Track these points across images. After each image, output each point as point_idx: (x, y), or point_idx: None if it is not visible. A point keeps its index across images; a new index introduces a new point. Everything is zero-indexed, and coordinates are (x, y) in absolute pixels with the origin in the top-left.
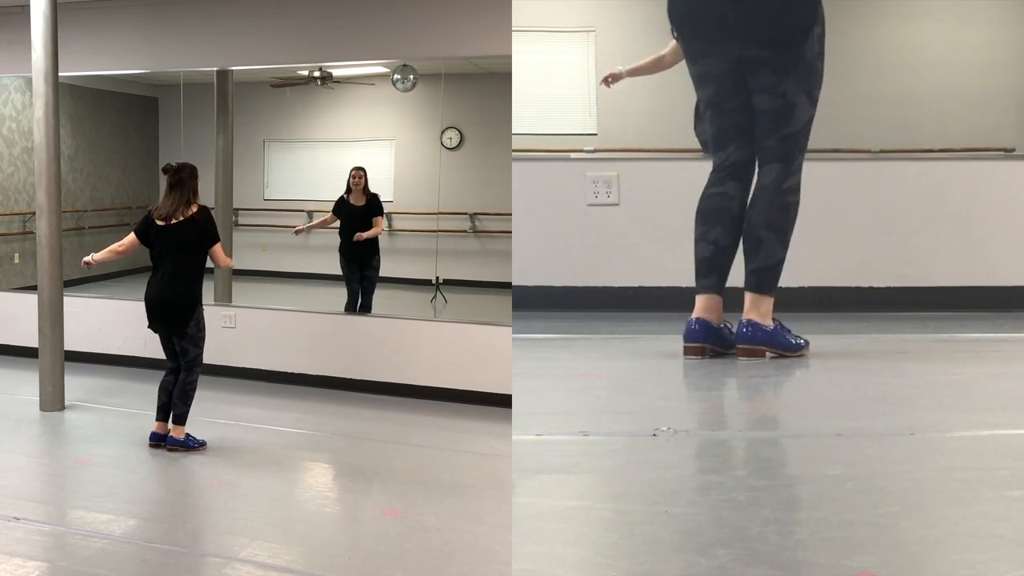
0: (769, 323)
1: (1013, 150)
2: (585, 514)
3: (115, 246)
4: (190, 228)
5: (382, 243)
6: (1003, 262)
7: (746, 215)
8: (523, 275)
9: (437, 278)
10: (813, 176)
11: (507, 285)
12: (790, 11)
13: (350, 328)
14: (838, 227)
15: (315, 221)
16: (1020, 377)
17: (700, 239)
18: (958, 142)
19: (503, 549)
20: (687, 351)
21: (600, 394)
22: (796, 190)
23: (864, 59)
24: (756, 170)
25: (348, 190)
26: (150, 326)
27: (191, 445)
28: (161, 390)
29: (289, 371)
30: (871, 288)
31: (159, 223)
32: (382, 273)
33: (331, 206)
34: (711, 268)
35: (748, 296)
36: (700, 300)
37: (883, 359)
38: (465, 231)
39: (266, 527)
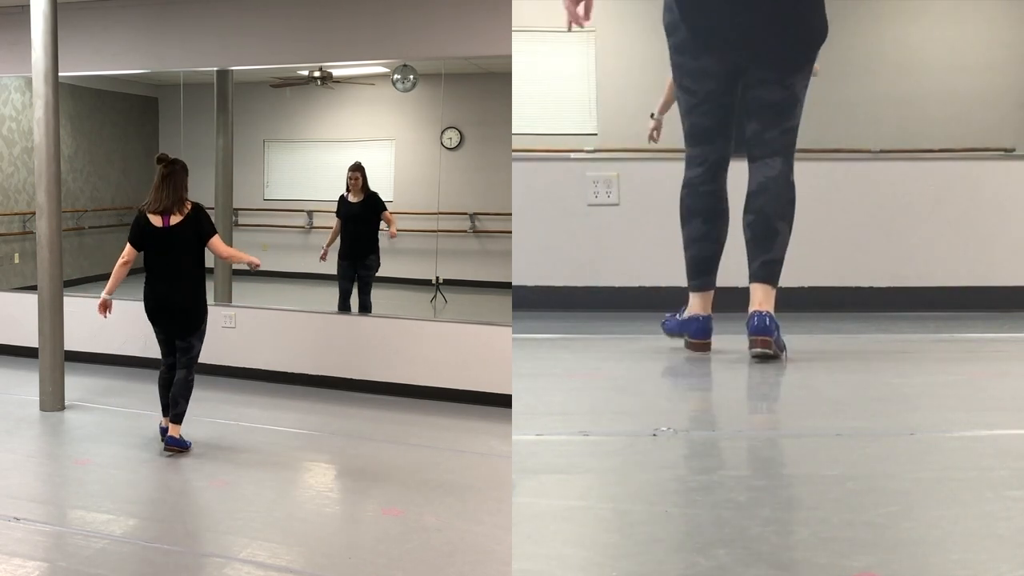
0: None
1: (1013, 150)
2: (585, 514)
3: (119, 265)
4: (191, 227)
5: (382, 243)
6: (1003, 262)
7: (752, 207)
8: (523, 275)
9: (437, 278)
10: (813, 176)
11: (507, 285)
12: (810, 22)
13: (350, 328)
14: (838, 227)
15: (329, 238)
16: (1020, 377)
17: (703, 238)
18: (958, 142)
19: (503, 549)
20: (699, 347)
21: (600, 394)
22: (795, 186)
23: (864, 59)
24: (750, 164)
25: (348, 188)
26: (160, 328)
27: (185, 447)
28: (165, 386)
29: (289, 371)
30: (871, 288)
31: (155, 223)
32: (382, 273)
33: (330, 206)
34: (714, 265)
35: (761, 288)
36: (704, 297)
37: (883, 359)
38: (465, 231)
39: (266, 527)
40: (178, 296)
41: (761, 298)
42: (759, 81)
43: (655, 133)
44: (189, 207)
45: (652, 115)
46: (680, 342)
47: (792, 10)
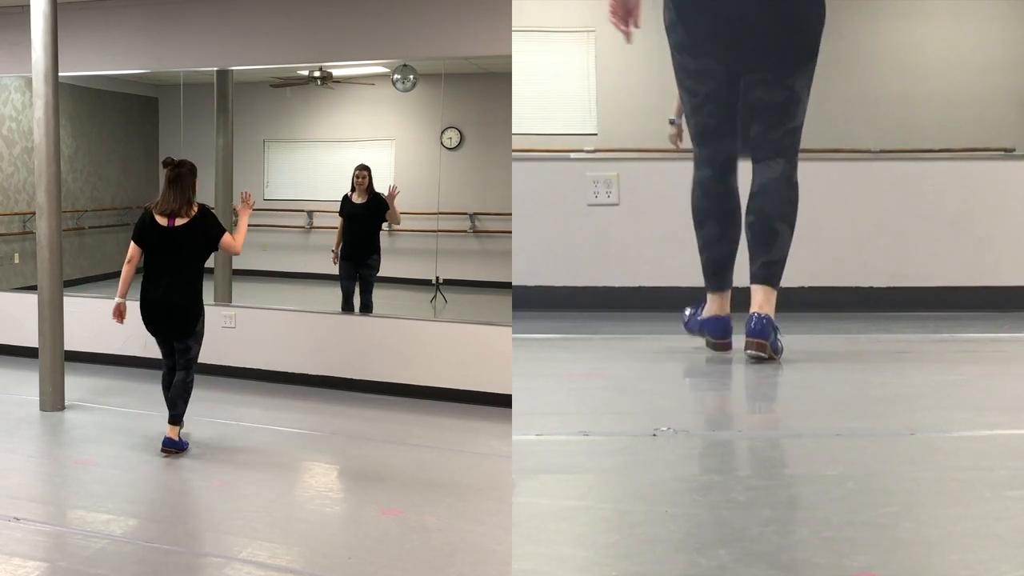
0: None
1: (1013, 150)
2: (585, 514)
3: (125, 264)
4: (196, 230)
5: (382, 243)
6: (1003, 262)
7: (753, 207)
8: (523, 275)
9: (437, 278)
10: (813, 176)
11: (507, 285)
12: (806, 14)
13: (350, 328)
14: (838, 227)
15: (336, 239)
16: (1020, 377)
17: (719, 240)
18: (958, 142)
19: (503, 549)
20: (720, 347)
21: (600, 394)
22: (798, 186)
23: (864, 59)
24: (754, 164)
25: (352, 188)
26: (155, 330)
27: (183, 448)
28: (169, 387)
29: (289, 371)
30: (871, 288)
31: (160, 223)
32: (382, 273)
33: (330, 206)
34: (730, 265)
35: (761, 289)
36: (722, 297)
37: (883, 359)
38: (465, 231)
39: (266, 527)
40: (172, 296)
41: (761, 300)
42: (760, 82)
43: (677, 139)
44: (196, 209)
45: (671, 121)
46: (679, 343)
47: (788, 5)
